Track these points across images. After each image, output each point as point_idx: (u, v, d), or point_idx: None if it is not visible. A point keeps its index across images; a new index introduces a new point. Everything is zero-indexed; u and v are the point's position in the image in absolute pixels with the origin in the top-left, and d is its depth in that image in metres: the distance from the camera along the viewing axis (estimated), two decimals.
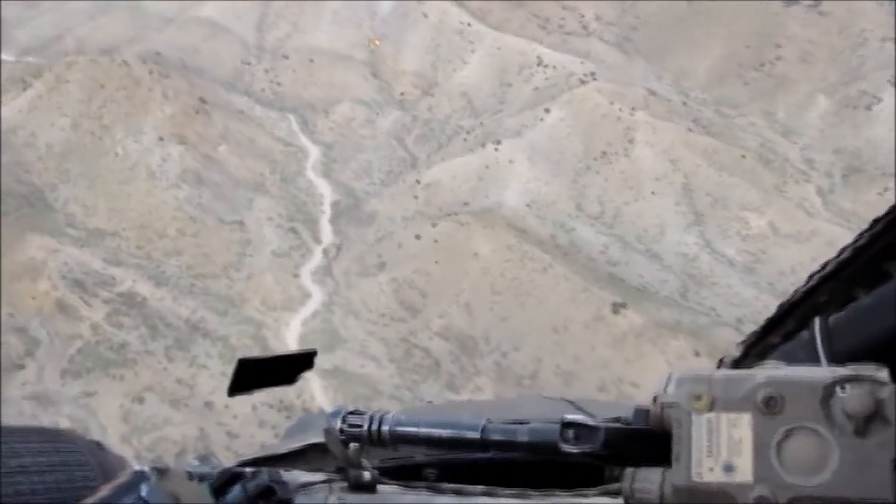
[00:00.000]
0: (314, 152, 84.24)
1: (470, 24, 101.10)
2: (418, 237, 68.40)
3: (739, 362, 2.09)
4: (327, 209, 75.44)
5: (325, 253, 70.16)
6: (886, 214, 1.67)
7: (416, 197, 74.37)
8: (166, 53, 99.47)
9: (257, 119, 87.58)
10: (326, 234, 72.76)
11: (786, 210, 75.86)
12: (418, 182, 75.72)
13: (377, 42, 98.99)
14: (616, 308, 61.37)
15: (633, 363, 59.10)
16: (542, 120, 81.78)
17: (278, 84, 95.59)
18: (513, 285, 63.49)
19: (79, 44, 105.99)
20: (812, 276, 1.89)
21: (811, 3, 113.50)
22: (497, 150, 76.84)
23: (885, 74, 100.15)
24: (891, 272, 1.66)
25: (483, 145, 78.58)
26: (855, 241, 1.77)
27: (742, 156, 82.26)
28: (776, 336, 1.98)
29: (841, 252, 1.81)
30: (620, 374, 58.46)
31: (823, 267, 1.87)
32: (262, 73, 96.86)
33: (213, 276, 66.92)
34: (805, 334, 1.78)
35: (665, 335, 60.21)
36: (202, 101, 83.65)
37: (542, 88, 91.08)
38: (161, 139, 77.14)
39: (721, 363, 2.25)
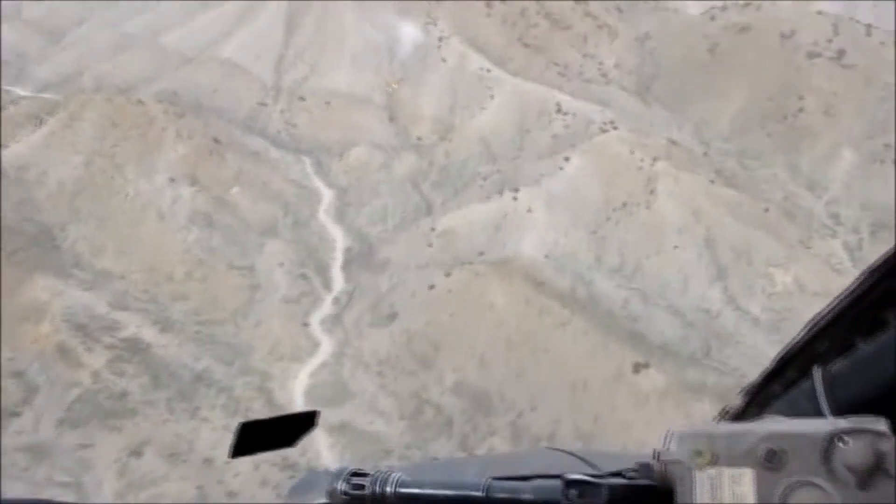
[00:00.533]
0: (328, 196, 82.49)
1: (489, 70, 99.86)
2: (432, 287, 66.03)
3: (741, 412, 2.14)
4: (339, 255, 73.36)
5: (335, 300, 67.88)
6: (883, 263, 1.65)
7: (430, 245, 72.17)
8: (183, 92, 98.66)
9: (272, 161, 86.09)
10: (338, 280, 70.56)
11: (812, 266, 73.14)
12: (433, 229, 73.58)
13: (395, 85, 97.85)
14: (637, 367, 58.54)
15: (655, 425, 56.02)
16: (561, 168, 79.73)
17: (294, 126, 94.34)
18: (530, 340, 60.84)
19: (97, 81, 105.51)
20: (810, 325, 1.90)
21: (835, 55, 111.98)
22: (515, 198, 74.72)
23: None
24: (889, 320, 1.64)
25: (500, 193, 76.51)
26: (851, 288, 1.75)
27: (766, 209, 79.76)
28: (778, 385, 2.01)
29: (838, 300, 1.81)
30: (642, 436, 55.38)
31: (821, 315, 1.88)
32: (278, 115, 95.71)
33: (219, 322, 64.69)
34: (806, 383, 1.80)
35: (689, 397, 57.25)
36: (216, 141, 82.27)
37: (561, 136, 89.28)
38: (173, 180, 75.58)
39: (723, 414, 2.36)
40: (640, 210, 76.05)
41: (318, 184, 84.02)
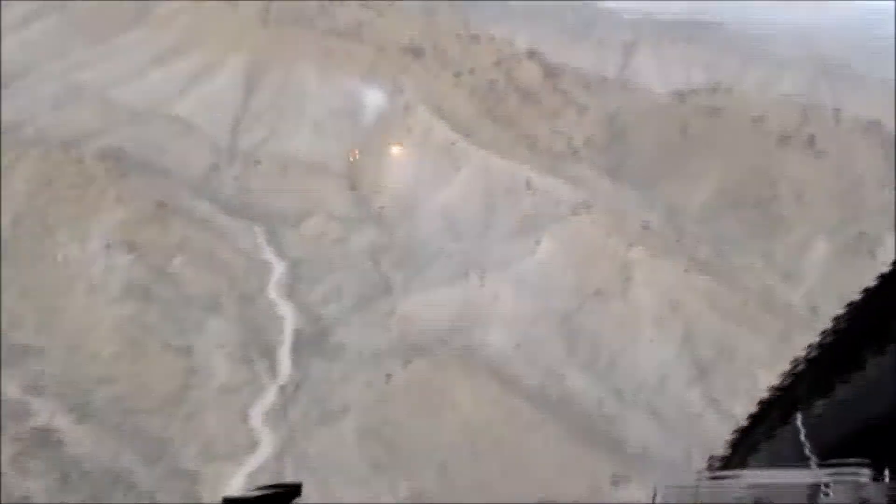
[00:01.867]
0: (279, 269, 75.57)
1: (456, 142, 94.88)
2: (389, 378, 59.12)
3: (727, 461, 2.23)
4: (288, 337, 66.14)
5: (281, 390, 60.41)
6: (856, 304, 1.74)
7: (389, 329, 65.51)
8: (130, 150, 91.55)
9: (220, 228, 79.09)
10: (285, 367, 63.19)
11: None
12: (392, 312, 67.02)
13: (357, 154, 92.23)
14: (616, 481, 51.98)
15: None
16: (531, 252, 74.15)
17: (247, 191, 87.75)
18: (497, 445, 54.00)
19: (39, 133, 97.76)
20: (790, 370, 1.97)
21: (806, 141, 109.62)
22: (481, 282, 68.69)
23: (886, 218, 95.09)
24: (866, 359, 1.66)
25: (466, 275, 70.45)
26: (826, 333, 1.83)
27: (745, 301, 74.80)
28: (761, 430, 2.08)
29: (815, 343, 1.89)
30: None
31: (800, 360, 1.96)
32: (231, 179, 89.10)
33: (147, 411, 56.71)
34: (788, 428, 1.84)
35: None
36: (161, 205, 75.18)
37: (530, 215, 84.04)
38: (108, 246, 68.10)
39: (708, 464, 2.40)
40: (615, 299, 70.54)
41: (270, 255, 77.15)
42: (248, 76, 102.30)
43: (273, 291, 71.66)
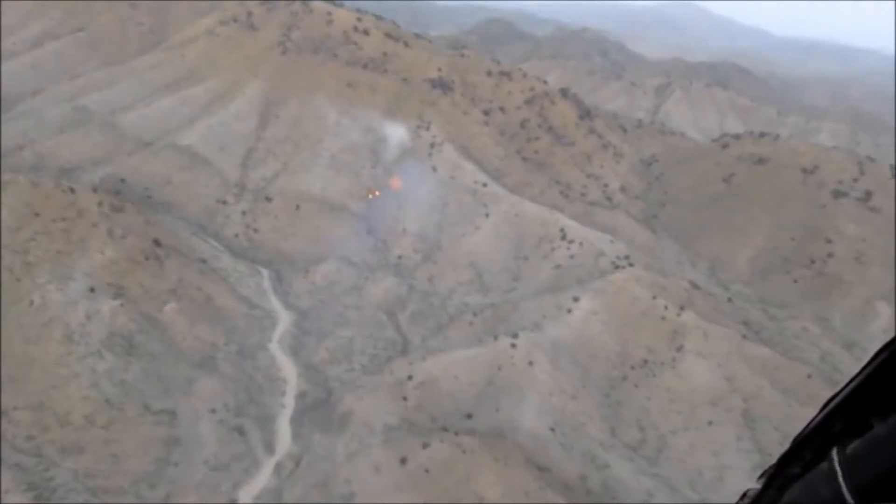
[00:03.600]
0: (285, 320, 66.52)
1: (485, 185, 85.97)
2: (403, 461, 49.58)
3: (760, 496, 2.11)
4: (290, 402, 56.86)
5: (277, 469, 50.96)
6: (890, 344, 1.70)
7: (405, 398, 55.99)
8: (132, 181, 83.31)
9: (222, 271, 70.25)
10: (283, 439, 53.81)
11: None
12: (410, 377, 57.53)
13: (377, 193, 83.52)
14: None
15: None
16: (568, 310, 64.70)
17: (255, 230, 79.11)
18: None
19: (38, 158, 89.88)
20: (825, 406, 1.91)
21: (862, 196, 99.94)
22: (513, 345, 59.19)
23: None
24: None
25: (495, 337, 61.00)
26: (863, 369, 1.78)
27: (809, 375, 64.79)
28: (795, 467, 1.99)
29: (851, 381, 1.83)
30: None
31: (835, 396, 1.90)
32: (238, 216, 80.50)
33: (117, 490, 47.39)
34: (824, 465, 1.80)
35: None
36: (157, 243, 66.51)
37: (565, 268, 74.75)
38: (92, 290, 59.29)
39: (743, 499, 2.35)
40: (665, 371, 60.81)
41: (275, 304, 68.21)
42: (263, 106, 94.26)
43: (276, 346, 62.53)
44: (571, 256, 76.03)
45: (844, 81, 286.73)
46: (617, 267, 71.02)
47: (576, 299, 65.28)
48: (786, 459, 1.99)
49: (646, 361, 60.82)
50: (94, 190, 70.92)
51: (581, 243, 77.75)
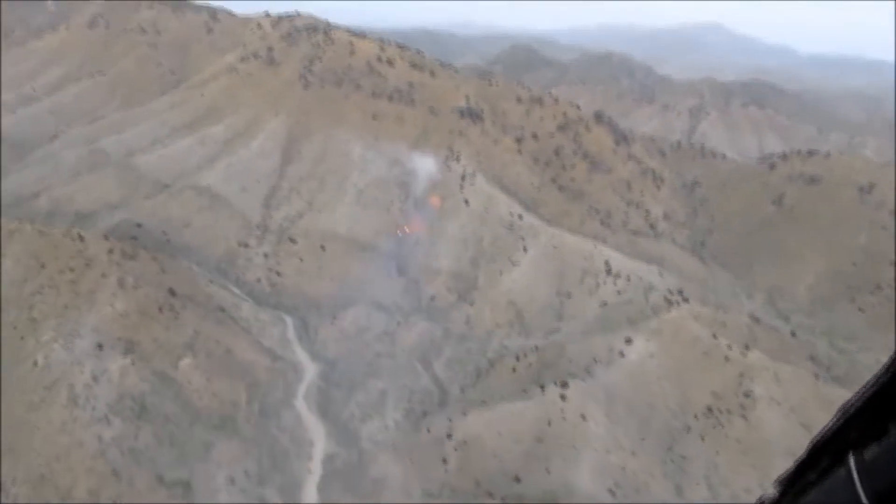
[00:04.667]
0: (311, 372, 60.71)
1: (521, 216, 79.94)
2: None
3: (777, 502, 2.12)
4: (317, 467, 50.80)
5: None
6: None
7: (444, 460, 49.73)
8: (149, 225, 78.60)
9: (243, 320, 64.76)
10: None
11: None
12: (449, 436, 51.28)
13: (407, 230, 77.97)
14: None
15: None
16: (621, 354, 58.17)
17: (278, 274, 73.72)
18: None
19: (54, 204, 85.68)
20: (842, 412, 1.91)
21: None
22: (563, 396, 52.73)
23: None
24: None
25: (542, 386, 54.59)
26: (880, 374, 1.78)
27: None
28: (812, 473, 1.99)
29: (868, 386, 1.83)
30: None
31: (852, 402, 1.90)
32: (260, 259, 75.25)
33: None
34: (841, 471, 1.82)
35: None
36: (171, 293, 61.26)
37: (613, 304, 68.30)
38: (100, 346, 54.01)
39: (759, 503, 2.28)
40: (733, 419, 53.88)
41: (300, 354, 62.52)
42: (285, 142, 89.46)
43: (302, 402, 56.67)
44: (619, 292, 69.61)
45: (877, 96, 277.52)
46: (670, 303, 64.39)
47: (629, 341, 58.76)
48: (802, 465, 1.89)
49: (710, 409, 53.99)
50: (106, 237, 66.12)
51: (628, 277, 71.35)
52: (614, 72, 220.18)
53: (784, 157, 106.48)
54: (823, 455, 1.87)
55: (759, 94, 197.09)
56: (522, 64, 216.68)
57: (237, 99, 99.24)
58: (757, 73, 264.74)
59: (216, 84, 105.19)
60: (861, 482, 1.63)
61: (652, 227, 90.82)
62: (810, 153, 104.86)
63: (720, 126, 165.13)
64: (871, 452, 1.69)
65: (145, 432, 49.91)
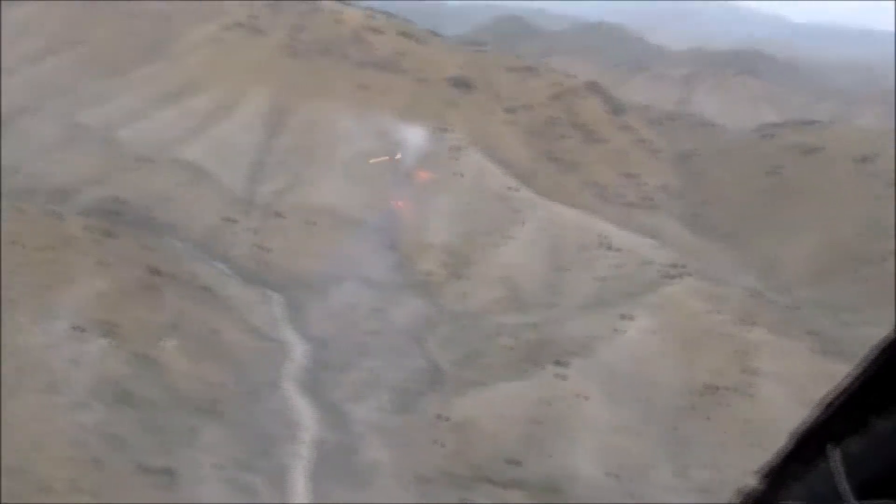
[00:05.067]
0: (300, 352, 58.46)
1: (515, 189, 77.62)
2: None
3: (760, 494, 2.13)
4: (306, 453, 48.73)
5: None
6: (891, 339, 1.69)
7: (440, 444, 47.83)
8: (131, 200, 75.80)
9: (229, 299, 62.38)
10: (299, 496, 45.74)
11: None
12: (445, 418, 49.36)
13: (398, 204, 75.58)
14: None
15: None
16: (619, 330, 56.22)
17: (266, 250, 71.26)
18: None
19: (33, 180, 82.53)
20: (824, 403, 1.90)
21: None
22: (563, 376, 50.80)
23: None
24: None
25: (540, 365, 52.64)
26: (862, 366, 1.77)
27: None
28: (795, 465, 2.01)
29: (850, 377, 1.82)
30: None
31: (834, 393, 1.88)
32: (246, 234, 72.70)
33: None
34: (823, 463, 1.82)
35: None
36: (154, 271, 58.79)
37: (610, 279, 66.23)
38: (78, 329, 51.56)
39: (740, 496, 2.33)
40: (738, 398, 52.06)
41: (289, 334, 60.27)
42: (271, 114, 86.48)
43: (290, 384, 54.51)
44: (616, 266, 67.54)
45: (870, 65, 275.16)
46: (670, 277, 62.39)
47: (629, 317, 56.74)
48: (785, 457, 1.88)
49: (716, 388, 52.19)
50: (86, 214, 63.53)
51: (626, 251, 69.26)
52: (606, 41, 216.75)
53: (780, 126, 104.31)
54: (805, 447, 1.81)
55: (752, 63, 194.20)
56: (511, 34, 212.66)
57: (221, 69, 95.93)
58: (750, 42, 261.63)
59: (199, 54, 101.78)
60: (842, 474, 1.57)
61: (647, 199, 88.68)
62: (807, 123, 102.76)
63: (714, 95, 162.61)
64: (852, 445, 1.63)
65: (126, 419, 47.64)
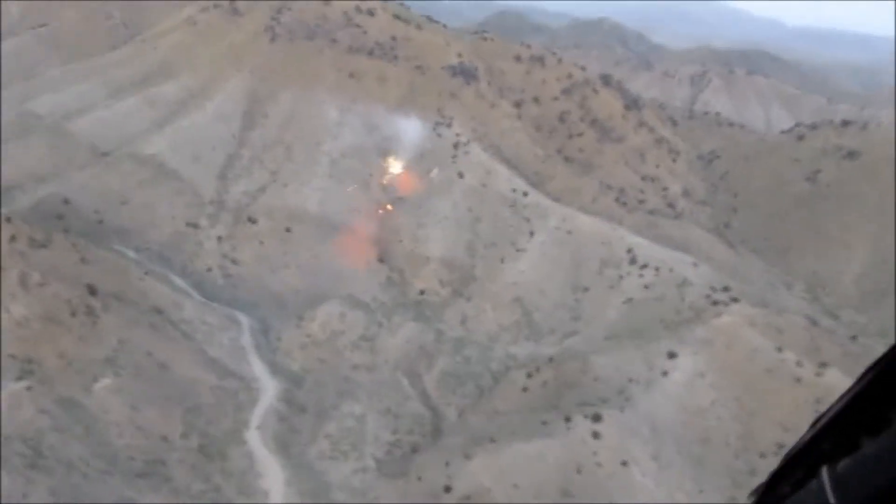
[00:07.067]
0: (270, 392, 47.17)
1: (525, 194, 66.50)
2: None
3: None
4: None
5: None
6: (881, 361, 1.67)
7: None
8: (78, 202, 64.32)
9: (185, 323, 50.92)
10: None
11: None
12: (448, 489, 38.18)
13: (390, 208, 64.30)
14: None
15: None
16: (662, 371, 45.18)
17: (234, 262, 59.91)
18: None
19: None
20: (815, 424, 1.88)
21: None
22: (595, 434, 39.72)
23: None
24: (893, 418, 1.66)
25: (566, 418, 41.49)
26: (853, 387, 1.76)
27: None
28: (786, 485, 1.98)
29: (841, 399, 1.80)
30: None
31: (825, 414, 1.86)
32: (212, 243, 61.26)
33: None
34: (814, 484, 1.82)
35: None
36: (91, 291, 47.30)
37: (640, 302, 55.26)
38: None
39: None
40: None
41: (257, 369, 48.98)
42: (248, 104, 75.11)
43: (255, 435, 43.25)
44: (646, 286, 56.60)
45: (869, 68, 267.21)
46: (715, 303, 51.40)
47: (672, 355, 45.70)
48: (776, 478, 1.89)
49: (782, 447, 41.00)
50: (22, 217, 52.11)
51: (656, 268, 58.32)
52: (606, 39, 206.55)
53: (814, 127, 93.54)
54: (797, 467, 1.78)
55: (758, 63, 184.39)
56: (511, 29, 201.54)
57: (194, 54, 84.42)
58: (747, 44, 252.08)
59: (171, 38, 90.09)
60: (833, 495, 1.56)
61: (671, 205, 77.76)
62: (845, 124, 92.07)
63: (724, 95, 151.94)
64: (843, 466, 1.61)
65: (39, 488, 36.24)
